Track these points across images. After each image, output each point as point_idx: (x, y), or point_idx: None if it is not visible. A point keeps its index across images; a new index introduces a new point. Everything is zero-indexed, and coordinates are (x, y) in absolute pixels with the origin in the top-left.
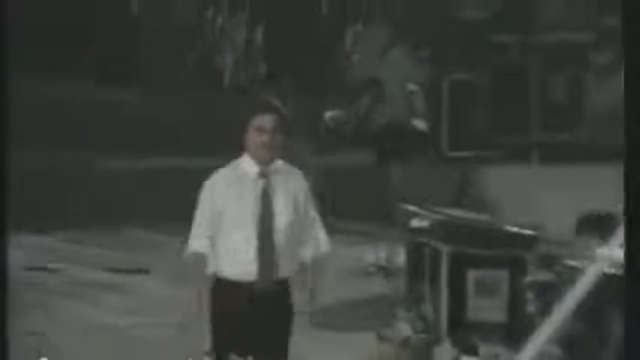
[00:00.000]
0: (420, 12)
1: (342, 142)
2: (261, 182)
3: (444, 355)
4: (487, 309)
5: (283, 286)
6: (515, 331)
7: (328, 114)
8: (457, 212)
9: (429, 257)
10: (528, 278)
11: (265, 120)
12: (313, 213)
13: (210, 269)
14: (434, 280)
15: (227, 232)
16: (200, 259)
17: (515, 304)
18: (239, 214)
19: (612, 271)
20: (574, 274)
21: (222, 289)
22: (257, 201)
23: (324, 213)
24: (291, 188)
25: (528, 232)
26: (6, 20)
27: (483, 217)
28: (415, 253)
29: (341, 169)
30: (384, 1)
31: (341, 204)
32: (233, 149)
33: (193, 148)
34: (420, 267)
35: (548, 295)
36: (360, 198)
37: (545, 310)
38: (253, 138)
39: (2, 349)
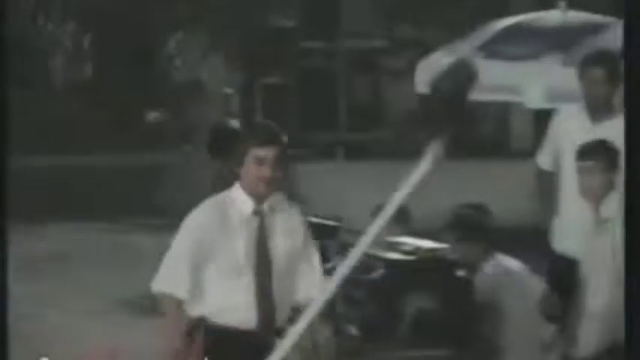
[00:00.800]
0: (235, 20)
1: (162, 141)
2: (255, 221)
3: None
4: None
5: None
6: (321, 314)
7: (151, 115)
8: None
9: None
10: (330, 264)
11: (269, 151)
12: (313, 250)
13: (193, 313)
14: None
15: (219, 276)
16: (172, 302)
17: None
18: (232, 258)
19: (402, 257)
20: (372, 261)
21: (218, 337)
22: (252, 242)
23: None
24: (289, 227)
25: (331, 222)
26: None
27: None
28: None
29: (161, 166)
30: (203, 9)
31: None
32: (53, 144)
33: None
34: None
35: (348, 281)
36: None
37: (346, 294)
38: (252, 170)
39: (2, 348)
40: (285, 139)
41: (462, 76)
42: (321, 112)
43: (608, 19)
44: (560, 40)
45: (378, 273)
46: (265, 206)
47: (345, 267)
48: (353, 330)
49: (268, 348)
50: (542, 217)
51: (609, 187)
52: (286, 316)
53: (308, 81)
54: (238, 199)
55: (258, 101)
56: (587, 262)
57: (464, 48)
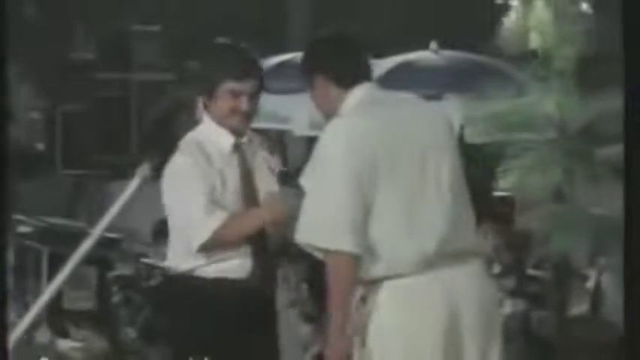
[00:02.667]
0: (41, 52)
1: None
2: (235, 158)
3: (42, 337)
4: (79, 299)
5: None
6: (102, 318)
7: None
8: (56, 220)
9: (32, 257)
10: (113, 273)
11: (246, 84)
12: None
13: (183, 266)
14: (37, 276)
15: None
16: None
17: (102, 294)
18: (222, 198)
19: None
20: (150, 270)
21: (208, 290)
22: (236, 181)
23: None
24: (272, 165)
25: (114, 235)
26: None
27: (80, 223)
28: (21, 254)
29: None
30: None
31: None
32: None
33: None
34: (24, 265)
35: (129, 287)
36: None
37: (127, 299)
38: (226, 104)
39: (2, 348)
40: (261, 67)
41: (166, 109)
42: (116, 137)
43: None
44: (434, 79)
45: (156, 280)
46: (245, 140)
47: (61, 276)
48: (132, 332)
49: (266, 299)
50: None
51: None
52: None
53: (104, 109)
54: (214, 134)
55: (59, 126)
56: None
57: None
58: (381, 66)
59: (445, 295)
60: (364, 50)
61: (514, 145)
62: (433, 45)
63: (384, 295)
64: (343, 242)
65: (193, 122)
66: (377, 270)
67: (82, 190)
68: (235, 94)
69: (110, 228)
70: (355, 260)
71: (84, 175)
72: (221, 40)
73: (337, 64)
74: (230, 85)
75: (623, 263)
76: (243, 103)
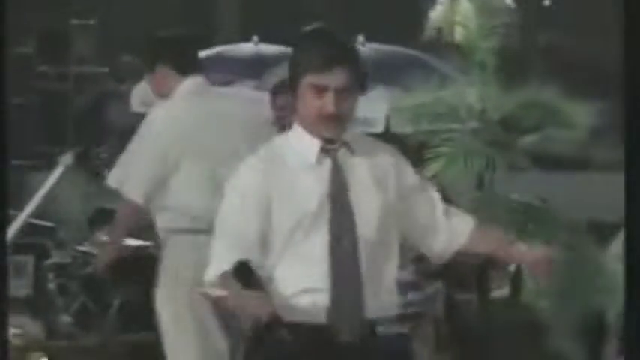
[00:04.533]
0: None
1: None
2: (324, 167)
3: None
4: (16, 287)
5: (375, 335)
6: (39, 305)
7: None
8: None
9: None
10: (49, 261)
11: (331, 77)
12: (432, 194)
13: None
14: None
15: (282, 247)
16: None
17: (38, 282)
18: (298, 215)
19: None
20: (86, 257)
21: (274, 335)
22: (322, 197)
23: None
24: (378, 174)
25: (49, 223)
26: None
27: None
28: None
29: None
30: None
31: None
32: None
33: None
34: None
35: (64, 274)
36: None
37: (63, 286)
38: (310, 103)
39: (2, 347)
40: (356, 54)
41: (94, 100)
42: (54, 128)
43: None
44: (252, 69)
45: (92, 268)
46: (338, 145)
47: None
48: (67, 318)
49: (350, 348)
50: None
51: None
52: (383, 303)
53: (44, 100)
54: (297, 141)
55: (7, 118)
56: None
57: None
58: None
59: None
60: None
61: (438, 134)
62: (360, 38)
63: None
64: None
65: (125, 113)
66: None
67: (24, 181)
68: (319, 91)
69: (47, 216)
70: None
71: (25, 166)
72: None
73: (179, 56)
74: (311, 78)
75: (624, 263)
76: (329, 103)
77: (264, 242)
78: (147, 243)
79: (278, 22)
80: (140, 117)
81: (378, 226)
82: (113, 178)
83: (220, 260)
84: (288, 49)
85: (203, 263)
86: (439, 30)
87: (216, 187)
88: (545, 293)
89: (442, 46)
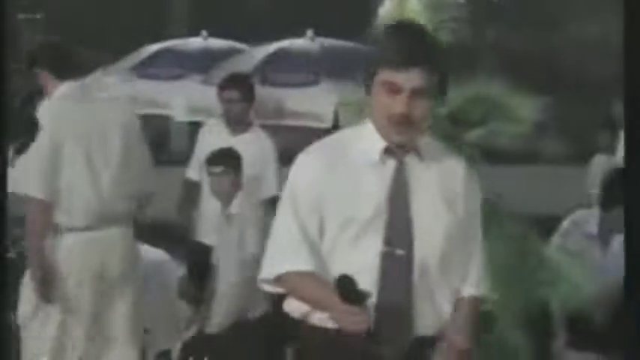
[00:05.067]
0: None
1: None
2: (387, 168)
3: None
4: None
5: (425, 351)
6: None
7: None
8: None
9: None
10: None
11: (407, 76)
12: (476, 229)
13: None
14: None
15: (326, 250)
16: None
17: None
18: (345, 218)
19: None
20: None
21: (313, 345)
22: (380, 199)
23: None
24: (449, 185)
25: None
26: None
27: None
28: None
29: None
30: None
31: None
32: None
33: None
34: None
35: None
36: None
37: None
38: (382, 101)
39: (2, 348)
40: (439, 57)
41: (27, 94)
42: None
43: (244, 46)
44: (201, 63)
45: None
46: (406, 148)
47: None
48: None
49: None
50: (182, 216)
51: (236, 188)
52: (435, 321)
53: None
54: (366, 136)
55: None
56: (219, 250)
57: (119, 68)
58: (258, 53)
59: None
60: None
61: None
62: (309, 33)
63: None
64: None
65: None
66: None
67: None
68: (393, 90)
69: None
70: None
71: None
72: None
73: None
74: (385, 75)
75: (624, 263)
76: (402, 103)
77: (317, 245)
78: None
79: (227, 17)
80: None
81: (440, 245)
82: (12, 183)
83: (271, 264)
84: (237, 44)
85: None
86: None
87: (96, 188)
88: (491, 285)
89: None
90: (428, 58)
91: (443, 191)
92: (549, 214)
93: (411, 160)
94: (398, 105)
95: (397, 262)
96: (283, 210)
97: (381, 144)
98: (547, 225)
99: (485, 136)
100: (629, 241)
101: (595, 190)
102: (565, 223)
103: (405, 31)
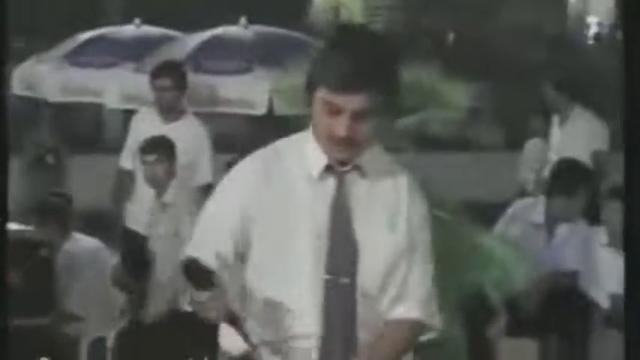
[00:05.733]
0: None
1: None
2: (327, 185)
3: None
4: None
5: None
6: None
7: None
8: None
9: None
10: None
11: (348, 100)
12: (421, 244)
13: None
14: None
15: (269, 263)
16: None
17: None
18: (285, 248)
19: None
20: None
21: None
22: (321, 218)
23: None
24: (392, 205)
25: None
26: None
27: None
28: None
29: None
30: None
31: None
32: None
33: None
34: None
35: None
36: None
37: None
38: (323, 120)
39: (2, 348)
40: (387, 77)
41: None
42: None
43: (178, 33)
44: (134, 51)
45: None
46: (349, 167)
47: None
48: None
49: None
50: (116, 205)
51: (170, 175)
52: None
53: None
54: (306, 147)
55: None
56: (154, 239)
57: (52, 56)
58: (192, 40)
59: None
60: None
61: None
62: (243, 20)
63: None
64: None
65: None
66: None
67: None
68: (332, 111)
69: None
70: None
71: None
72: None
73: None
74: (324, 94)
75: (624, 263)
76: (341, 126)
77: (240, 255)
78: (27, 227)
79: (161, 5)
80: (22, 100)
81: (383, 270)
82: None
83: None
84: (171, 32)
85: None
86: (323, 12)
87: None
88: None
89: (326, 28)
90: (371, 82)
91: (386, 210)
92: (482, 200)
93: (352, 178)
94: (338, 127)
95: (341, 290)
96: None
97: (322, 161)
98: (480, 211)
99: (419, 123)
100: (630, 240)
101: (528, 175)
102: (509, 211)
103: (347, 49)
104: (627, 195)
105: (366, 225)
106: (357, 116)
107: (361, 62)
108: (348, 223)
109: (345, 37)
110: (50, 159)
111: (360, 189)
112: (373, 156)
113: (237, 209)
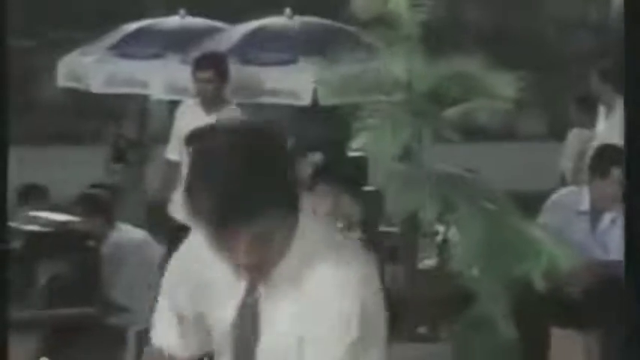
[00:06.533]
0: None
1: None
2: (242, 289)
3: None
4: None
5: None
6: None
7: None
8: None
9: None
10: None
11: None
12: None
13: None
14: None
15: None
16: None
17: None
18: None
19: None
20: (11, 233)
21: None
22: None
23: None
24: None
25: None
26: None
27: None
28: None
29: None
30: None
31: None
32: None
33: None
34: None
35: None
36: None
37: None
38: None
39: (2, 348)
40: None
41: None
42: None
43: (222, 24)
44: (179, 42)
45: (17, 243)
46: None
47: None
48: None
49: None
50: (163, 196)
51: None
52: None
53: None
54: None
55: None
56: None
57: (98, 48)
58: (236, 31)
59: None
60: None
61: (365, 106)
62: (288, 11)
63: None
64: None
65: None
66: None
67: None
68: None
69: None
70: None
71: None
72: None
73: None
74: None
75: (625, 264)
76: (240, 253)
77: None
78: (72, 218)
79: None
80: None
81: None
82: None
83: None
84: (216, 23)
85: None
86: (364, 3)
87: None
88: (471, 261)
89: (368, 19)
90: (253, 217)
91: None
92: (527, 189)
93: (265, 288)
94: (237, 255)
95: None
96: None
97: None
98: (525, 201)
99: (465, 114)
100: (630, 240)
101: (568, 164)
102: (553, 199)
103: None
104: (628, 194)
105: (272, 343)
106: (255, 241)
107: (228, 201)
108: (254, 339)
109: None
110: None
111: (272, 301)
112: (292, 260)
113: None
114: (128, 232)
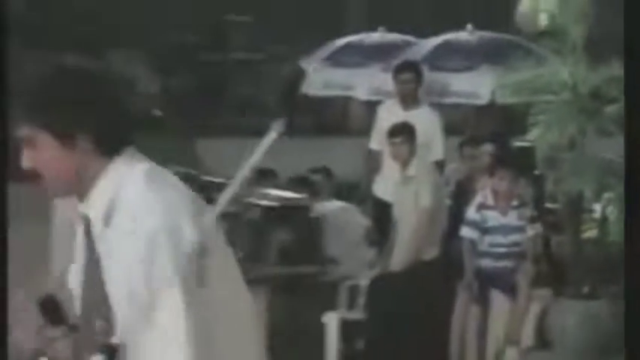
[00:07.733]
0: (153, 37)
1: None
2: (80, 230)
3: None
4: None
5: None
6: None
7: None
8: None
9: None
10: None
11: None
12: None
13: None
14: None
15: None
16: None
17: None
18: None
19: (271, 203)
20: (250, 206)
21: None
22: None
23: None
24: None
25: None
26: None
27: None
28: None
29: None
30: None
31: None
32: None
33: None
34: None
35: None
36: None
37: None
38: None
39: (2, 348)
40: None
41: (290, 78)
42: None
43: (414, 38)
44: (380, 53)
45: (255, 213)
46: (92, 213)
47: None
48: (238, 254)
49: None
50: (366, 179)
51: (412, 153)
52: None
53: (207, 84)
54: None
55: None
56: (398, 205)
57: (316, 59)
58: (426, 44)
59: None
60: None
61: (537, 105)
62: (469, 27)
63: None
64: None
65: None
66: None
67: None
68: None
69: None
70: None
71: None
72: None
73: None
74: None
75: (625, 265)
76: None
77: None
78: (298, 195)
79: (399, 15)
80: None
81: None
82: None
83: None
84: (410, 38)
85: None
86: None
87: None
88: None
89: (532, 31)
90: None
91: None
92: None
93: (98, 222)
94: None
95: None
96: None
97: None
98: None
99: (620, 110)
100: (630, 240)
101: None
102: None
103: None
104: (628, 194)
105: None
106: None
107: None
108: (96, 267)
109: None
110: None
111: (109, 234)
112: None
113: None
114: (339, 206)
